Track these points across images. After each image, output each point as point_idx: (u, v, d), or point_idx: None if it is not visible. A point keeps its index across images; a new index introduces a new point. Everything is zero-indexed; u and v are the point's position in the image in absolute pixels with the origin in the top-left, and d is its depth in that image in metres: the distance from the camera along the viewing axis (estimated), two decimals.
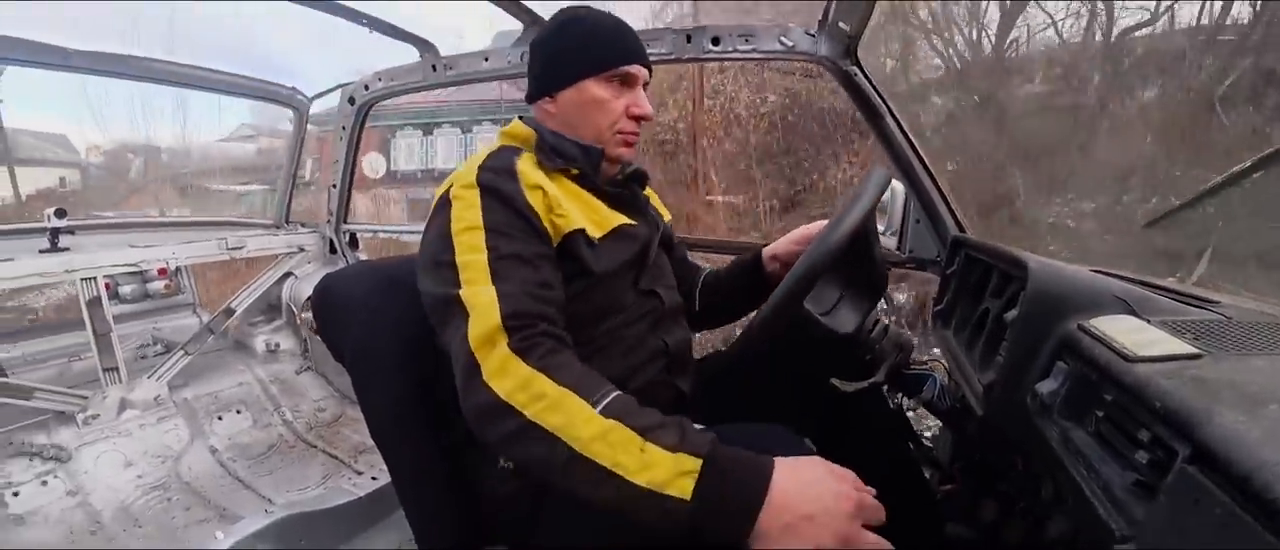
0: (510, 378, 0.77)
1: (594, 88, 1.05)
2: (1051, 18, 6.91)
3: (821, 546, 0.68)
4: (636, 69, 1.07)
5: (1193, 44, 5.75)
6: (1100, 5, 6.55)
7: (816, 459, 0.77)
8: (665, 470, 0.71)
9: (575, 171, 1.04)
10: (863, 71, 1.45)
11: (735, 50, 1.57)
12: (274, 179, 2.78)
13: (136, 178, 16.34)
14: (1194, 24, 6.07)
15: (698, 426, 1.06)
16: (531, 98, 1.12)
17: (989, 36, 7.17)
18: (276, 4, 1.76)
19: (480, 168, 0.94)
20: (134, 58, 2.17)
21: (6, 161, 14.21)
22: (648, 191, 1.21)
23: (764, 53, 1.56)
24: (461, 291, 0.83)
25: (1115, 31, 6.50)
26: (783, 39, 1.50)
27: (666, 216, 1.26)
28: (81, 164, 17.58)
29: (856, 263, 1.08)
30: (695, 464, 0.71)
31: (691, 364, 1.13)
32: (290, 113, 2.66)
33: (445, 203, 0.92)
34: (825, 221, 1.10)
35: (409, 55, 2.12)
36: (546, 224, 0.93)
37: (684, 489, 0.70)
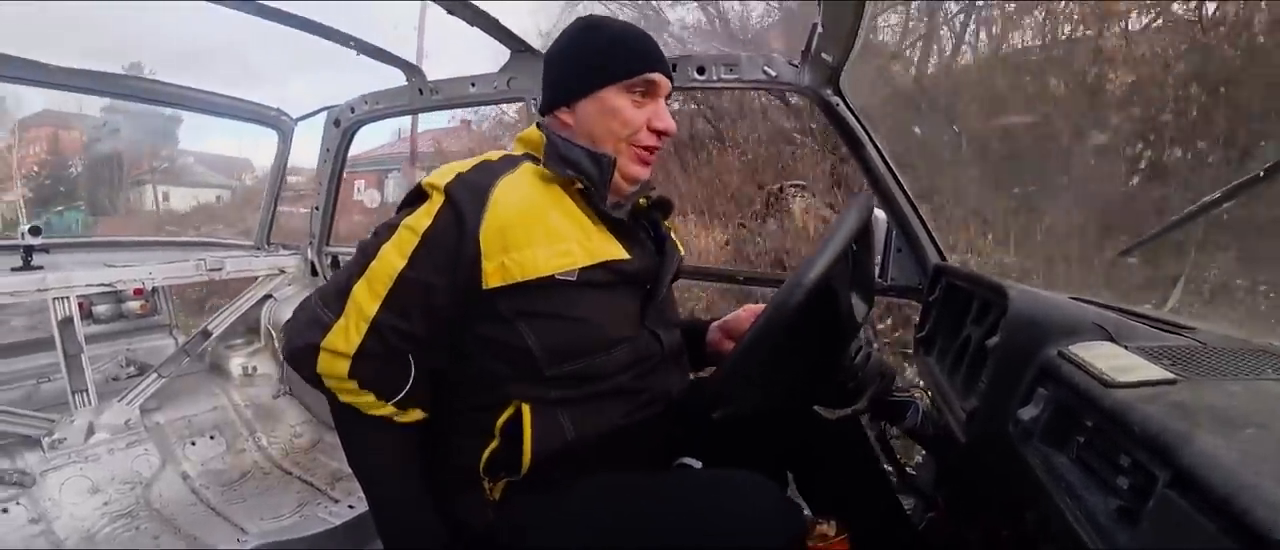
0: (338, 377, 0.91)
1: (614, 97, 1.01)
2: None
3: None
4: (660, 78, 1.03)
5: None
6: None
7: None
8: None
9: (580, 185, 0.98)
10: (845, 101, 1.48)
11: (719, 79, 1.59)
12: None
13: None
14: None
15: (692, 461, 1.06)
16: (546, 109, 1.07)
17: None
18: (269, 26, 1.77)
19: (458, 175, 0.93)
20: (118, 76, 2.16)
21: (153, 181, 20.70)
22: (668, 223, 1.17)
23: (748, 82, 1.58)
24: (356, 287, 0.90)
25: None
26: (766, 69, 1.53)
27: (682, 252, 1.21)
28: (234, 186, 21.52)
29: (859, 267, 1.09)
30: None
31: (687, 405, 1.09)
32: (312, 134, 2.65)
33: (419, 195, 0.95)
34: (759, 307, 1.12)
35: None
36: (487, 267, 0.90)
37: None
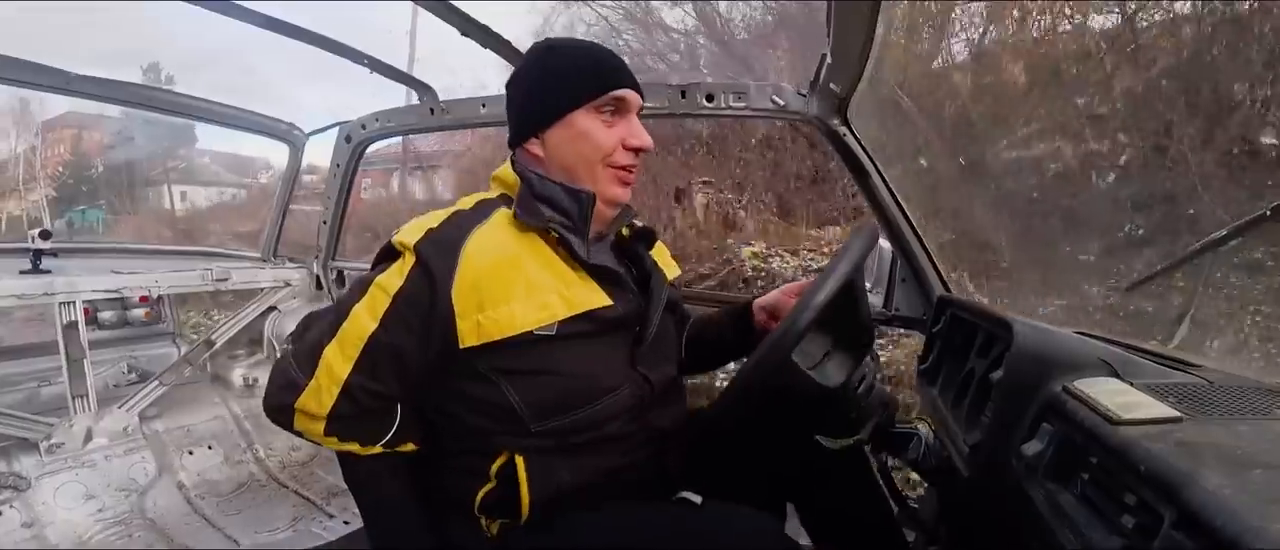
0: (316, 436, 0.90)
1: (583, 120, 0.95)
2: None
3: None
4: (629, 94, 0.97)
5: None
6: None
7: None
8: None
9: (555, 235, 0.94)
10: (852, 132, 1.48)
11: (728, 107, 1.60)
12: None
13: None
14: None
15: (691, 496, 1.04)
16: (515, 142, 1.01)
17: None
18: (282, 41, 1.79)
19: (428, 232, 0.89)
20: (134, 85, 2.19)
21: (171, 181, 21.43)
22: (656, 249, 1.13)
23: (756, 110, 1.59)
24: (328, 349, 0.87)
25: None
26: (774, 98, 1.54)
27: (675, 272, 1.17)
28: (249, 184, 22.10)
29: (844, 318, 1.08)
30: None
31: (684, 439, 1.07)
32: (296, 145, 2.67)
33: (391, 253, 0.92)
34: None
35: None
36: (462, 326, 0.87)
37: None
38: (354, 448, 0.93)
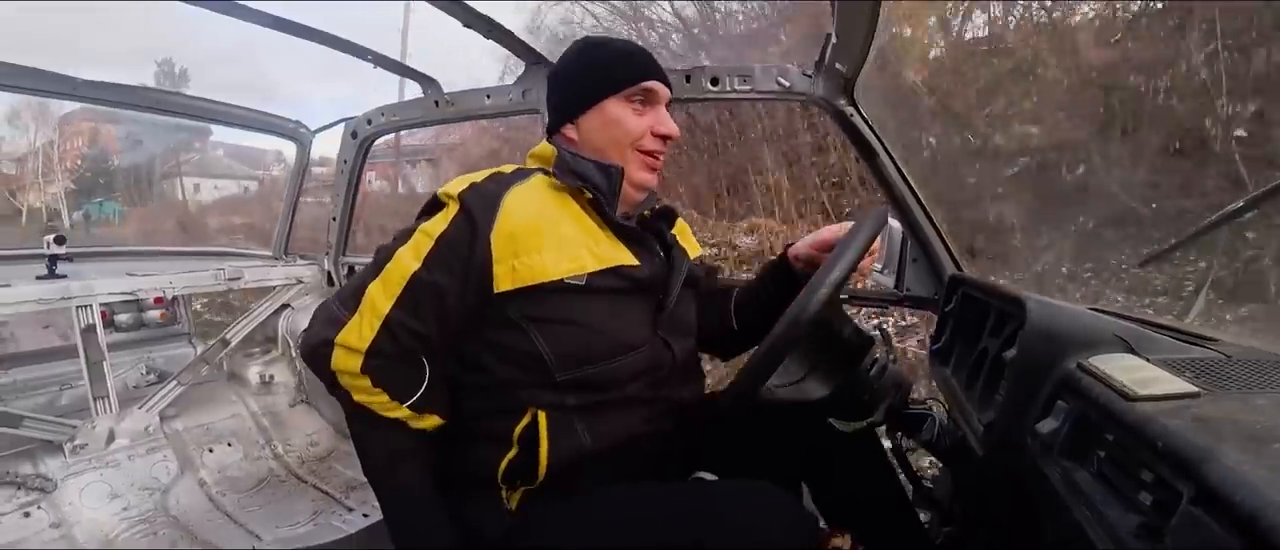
0: (352, 373, 0.93)
1: (615, 107, 1.05)
2: None
3: None
4: (657, 85, 1.06)
5: None
6: None
7: None
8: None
9: (589, 195, 1.01)
10: (859, 111, 1.47)
11: (733, 90, 1.59)
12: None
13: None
14: None
15: (707, 475, 1.05)
16: (552, 129, 1.11)
17: None
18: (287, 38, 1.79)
19: (472, 184, 0.96)
20: (140, 89, 2.20)
21: (184, 174, 21.97)
22: (677, 228, 1.20)
23: (761, 93, 1.58)
24: (371, 286, 0.93)
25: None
26: (780, 79, 1.53)
27: (696, 251, 1.23)
28: (261, 176, 22.79)
29: (823, 346, 1.08)
30: None
31: (700, 418, 1.11)
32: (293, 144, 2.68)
33: (436, 204, 0.99)
34: (846, 225, 1.10)
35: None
36: (498, 270, 0.93)
37: None
38: (382, 400, 0.95)
